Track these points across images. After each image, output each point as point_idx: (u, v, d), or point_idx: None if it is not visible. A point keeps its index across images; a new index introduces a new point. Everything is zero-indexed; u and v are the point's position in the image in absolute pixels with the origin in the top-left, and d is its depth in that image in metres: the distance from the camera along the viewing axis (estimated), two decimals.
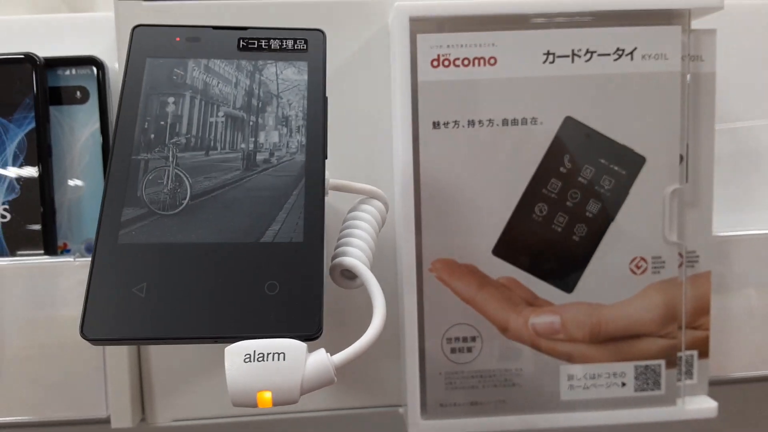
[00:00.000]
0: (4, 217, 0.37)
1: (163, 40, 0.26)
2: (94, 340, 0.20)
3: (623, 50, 0.33)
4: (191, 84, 0.25)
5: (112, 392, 0.35)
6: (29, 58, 0.38)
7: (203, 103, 0.25)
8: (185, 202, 0.23)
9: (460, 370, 0.35)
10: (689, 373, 0.36)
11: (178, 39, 0.26)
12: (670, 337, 0.35)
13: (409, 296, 0.34)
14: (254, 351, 0.20)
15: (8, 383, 0.34)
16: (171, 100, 0.24)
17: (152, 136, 0.24)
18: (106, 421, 0.35)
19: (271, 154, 0.24)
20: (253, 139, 0.24)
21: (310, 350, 0.21)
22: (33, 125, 0.38)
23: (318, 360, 0.20)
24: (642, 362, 0.35)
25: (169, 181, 0.23)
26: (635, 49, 0.33)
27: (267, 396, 0.19)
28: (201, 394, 0.37)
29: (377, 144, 0.37)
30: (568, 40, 0.33)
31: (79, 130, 0.39)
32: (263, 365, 0.20)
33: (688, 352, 0.36)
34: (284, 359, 0.20)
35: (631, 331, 0.35)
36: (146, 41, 0.26)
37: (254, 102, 0.25)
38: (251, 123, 0.25)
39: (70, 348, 0.35)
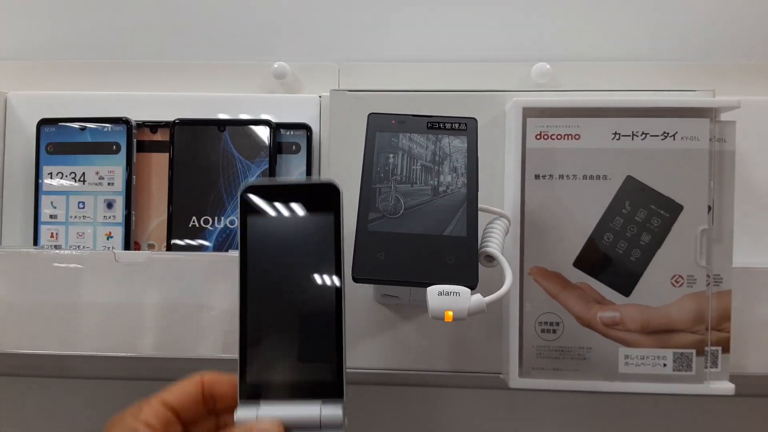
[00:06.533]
0: None
1: (385, 122, 0.45)
2: (358, 279, 0.38)
3: (668, 133, 0.50)
4: (401, 147, 0.43)
5: None
6: (268, 122, 0.58)
7: (408, 158, 0.43)
8: (401, 211, 0.41)
9: (547, 345, 0.50)
10: (714, 364, 0.50)
11: (393, 122, 0.44)
12: (700, 333, 0.49)
13: (513, 292, 0.50)
14: (444, 290, 0.37)
15: None
16: (391, 155, 0.43)
17: (381, 175, 0.42)
18: None
19: (447, 188, 0.42)
20: (437, 179, 0.42)
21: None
22: (266, 166, 0.58)
23: (477, 298, 0.37)
24: (678, 350, 0.50)
25: (392, 200, 0.41)
26: (677, 132, 0.50)
27: (450, 313, 0.37)
28: (368, 347, 0.54)
29: (491, 186, 0.54)
30: (630, 125, 0.50)
31: (292, 172, 0.59)
32: (449, 297, 0.37)
33: (714, 348, 0.50)
34: (459, 296, 0.37)
35: (670, 327, 0.50)
36: (375, 122, 0.45)
37: (436, 158, 0.43)
38: (435, 170, 0.43)
39: None
